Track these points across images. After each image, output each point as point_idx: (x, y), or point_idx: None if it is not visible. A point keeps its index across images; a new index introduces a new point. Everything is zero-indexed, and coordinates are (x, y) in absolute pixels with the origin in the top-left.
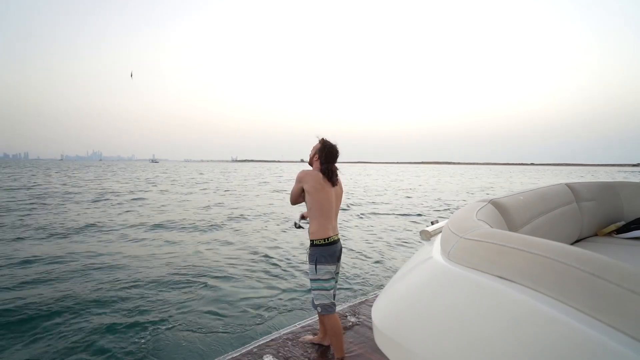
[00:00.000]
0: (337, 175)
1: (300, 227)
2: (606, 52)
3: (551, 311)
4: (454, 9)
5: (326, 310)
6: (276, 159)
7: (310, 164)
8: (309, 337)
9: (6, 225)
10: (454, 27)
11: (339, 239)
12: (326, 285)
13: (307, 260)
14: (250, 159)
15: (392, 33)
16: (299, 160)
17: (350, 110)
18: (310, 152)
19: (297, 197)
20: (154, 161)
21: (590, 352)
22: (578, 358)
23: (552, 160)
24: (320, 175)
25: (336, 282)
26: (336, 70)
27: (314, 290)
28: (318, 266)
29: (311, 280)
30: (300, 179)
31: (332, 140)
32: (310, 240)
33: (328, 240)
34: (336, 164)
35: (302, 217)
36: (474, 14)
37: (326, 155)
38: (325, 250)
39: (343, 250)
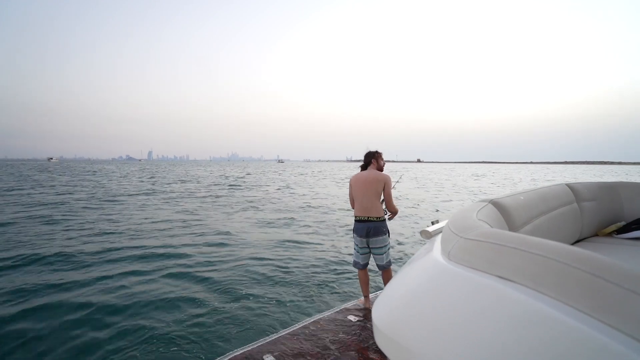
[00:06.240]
0: (370, 164)
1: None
2: None
3: (551, 311)
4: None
5: (354, 264)
6: (391, 159)
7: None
8: (361, 299)
9: None
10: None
11: (367, 219)
12: (356, 248)
13: None
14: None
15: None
16: (416, 160)
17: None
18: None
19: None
20: (280, 161)
21: (590, 352)
22: (578, 358)
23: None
24: (357, 175)
25: (379, 254)
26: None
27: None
28: (353, 234)
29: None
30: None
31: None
32: None
33: (355, 218)
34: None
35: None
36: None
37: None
38: (355, 225)
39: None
